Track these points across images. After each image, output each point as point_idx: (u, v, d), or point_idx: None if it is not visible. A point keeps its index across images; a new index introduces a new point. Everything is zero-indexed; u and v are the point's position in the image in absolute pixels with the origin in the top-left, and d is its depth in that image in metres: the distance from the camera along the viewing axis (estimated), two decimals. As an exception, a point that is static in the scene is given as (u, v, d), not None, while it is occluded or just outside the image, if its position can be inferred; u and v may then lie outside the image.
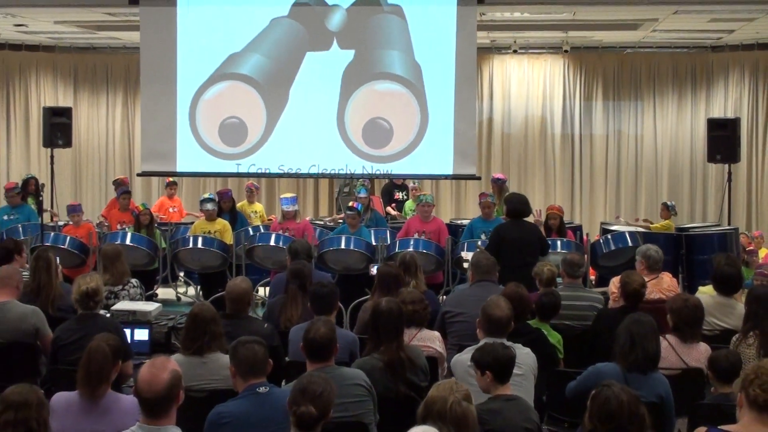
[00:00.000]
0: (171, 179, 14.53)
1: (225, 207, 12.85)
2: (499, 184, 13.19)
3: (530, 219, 10.61)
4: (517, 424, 4.97)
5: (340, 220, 12.90)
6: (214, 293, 11.25)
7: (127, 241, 11.73)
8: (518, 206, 9.87)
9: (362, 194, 12.81)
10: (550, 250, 11.31)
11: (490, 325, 5.92)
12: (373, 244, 11.48)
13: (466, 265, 9.54)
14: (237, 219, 12.95)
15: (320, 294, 6.76)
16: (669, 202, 14.21)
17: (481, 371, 5.18)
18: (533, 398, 5.73)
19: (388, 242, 11.62)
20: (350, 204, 12.14)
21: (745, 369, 5.19)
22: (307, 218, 14.42)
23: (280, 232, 11.70)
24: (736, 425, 4.52)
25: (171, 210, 14.38)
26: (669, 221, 13.74)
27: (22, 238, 11.57)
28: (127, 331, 6.81)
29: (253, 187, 14.42)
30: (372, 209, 12.93)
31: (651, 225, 13.79)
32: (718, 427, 4.52)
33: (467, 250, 10.82)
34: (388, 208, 14.44)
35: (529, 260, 9.06)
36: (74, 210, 12.53)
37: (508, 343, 5.65)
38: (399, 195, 14.93)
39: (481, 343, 5.61)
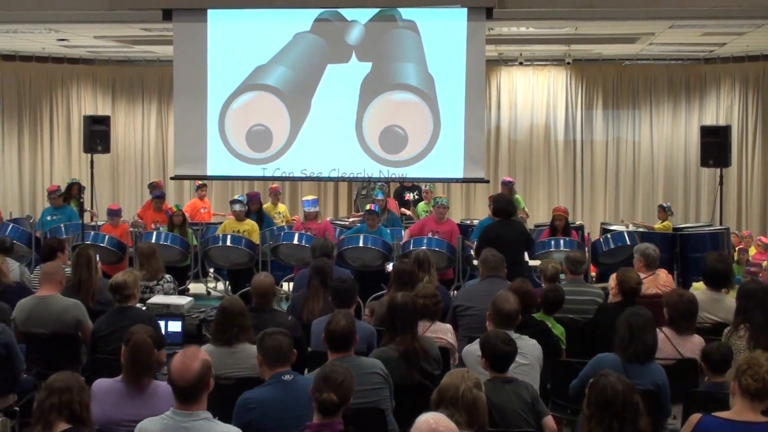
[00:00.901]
0: (201, 182, 14.56)
1: (253, 208, 12.92)
2: (509, 187, 13.21)
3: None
4: (513, 402, 5.01)
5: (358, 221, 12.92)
6: (242, 288, 11.28)
7: (162, 240, 11.76)
8: (504, 206, 9.87)
9: (380, 197, 12.86)
10: (553, 248, 11.37)
11: (499, 318, 5.92)
12: (389, 242, 11.50)
13: (475, 262, 9.53)
14: (264, 219, 12.99)
15: (341, 289, 6.77)
16: (665, 204, 14.15)
17: (482, 355, 5.21)
18: (539, 386, 5.72)
19: (403, 241, 11.64)
20: (368, 207, 12.17)
21: (737, 360, 5.17)
22: (328, 219, 14.44)
23: (303, 231, 11.73)
24: (728, 412, 4.50)
25: (202, 211, 14.39)
26: (668, 222, 13.69)
27: (65, 236, 11.62)
28: (162, 323, 6.82)
29: (278, 190, 14.46)
30: (388, 210, 12.99)
31: (655, 227, 13.72)
32: (712, 414, 4.50)
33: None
34: (403, 209, 14.44)
35: (517, 257, 9.05)
36: (116, 213, 12.65)
37: (515, 335, 5.65)
38: (409, 196, 14.92)
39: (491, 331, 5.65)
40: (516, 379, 5.21)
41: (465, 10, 12.13)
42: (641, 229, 13.16)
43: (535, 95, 18.52)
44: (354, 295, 6.88)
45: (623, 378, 4.29)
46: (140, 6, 12.23)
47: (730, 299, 7.46)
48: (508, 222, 9.69)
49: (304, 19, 12.58)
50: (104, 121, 13.61)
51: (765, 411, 4.44)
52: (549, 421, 5.16)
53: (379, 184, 13.53)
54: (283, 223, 13.51)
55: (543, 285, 7.94)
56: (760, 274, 11.55)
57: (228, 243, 11.88)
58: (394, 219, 12.95)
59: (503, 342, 5.17)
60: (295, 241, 11.61)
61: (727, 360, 5.54)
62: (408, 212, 14.43)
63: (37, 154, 18.90)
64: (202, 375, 4.25)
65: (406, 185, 14.88)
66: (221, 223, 12.88)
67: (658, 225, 13.75)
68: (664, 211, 13.80)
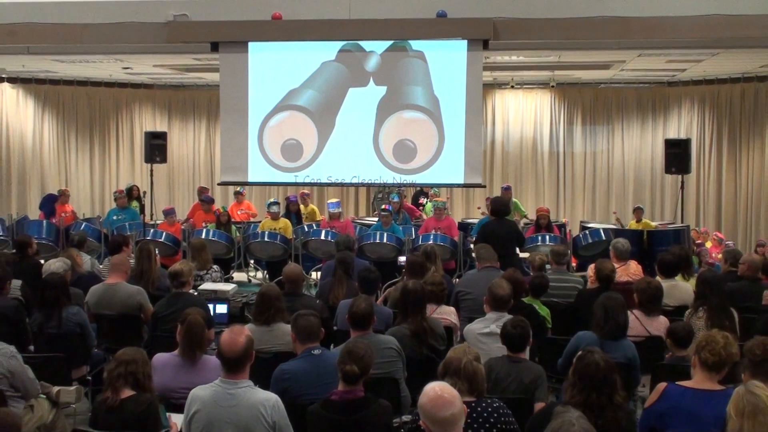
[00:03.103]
0: (238, 189, 14.62)
1: (293, 209, 13.03)
2: (508, 191, 13.36)
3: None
4: (510, 378, 5.01)
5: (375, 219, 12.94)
6: (278, 277, 11.25)
7: (210, 236, 11.78)
8: (500, 207, 9.85)
9: (395, 200, 12.89)
10: (539, 243, 11.34)
11: (495, 301, 5.91)
12: (402, 238, 11.50)
13: (474, 255, 9.52)
14: (301, 219, 13.11)
15: (369, 279, 6.79)
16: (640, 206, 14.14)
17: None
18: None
19: (413, 237, 11.65)
20: (383, 207, 12.19)
21: (697, 337, 5.15)
22: (349, 218, 14.44)
23: (328, 228, 11.74)
24: (690, 381, 4.49)
25: (239, 213, 14.44)
26: (647, 221, 13.66)
27: (129, 233, 11.64)
28: (210, 306, 6.85)
29: (307, 194, 14.50)
30: (402, 211, 13.01)
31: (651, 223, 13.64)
32: (676, 383, 4.49)
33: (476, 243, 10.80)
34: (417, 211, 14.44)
35: (510, 251, 9.03)
36: (170, 213, 12.70)
37: (506, 315, 5.64)
38: (423, 200, 14.92)
39: (488, 315, 5.64)
40: (524, 362, 5.15)
41: (465, 42, 12.09)
42: (612, 226, 13.12)
43: (524, 114, 18.51)
44: (378, 285, 7.00)
45: (607, 357, 4.26)
46: (192, 40, 12.26)
47: (684, 285, 7.47)
48: (502, 221, 9.67)
49: (330, 50, 12.58)
50: (162, 136, 13.65)
51: (721, 381, 4.43)
52: (538, 407, 5.13)
53: (397, 189, 13.57)
54: (312, 222, 13.53)
55: (531, 273, 7.93)
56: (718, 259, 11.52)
57: (266, 238, 11.90)
58: (406, 219, 12.98)
59: (511, 326, 5.17)
60: (322, 237, 11.62)
61: (689, 336, 5.53)
62: (418, 212, 14.42)
63: (105, 164, 18.99)
64: (246, 348, 4.27)
65: (426, 191, 14.86)
66: (260, 221, 12.93)
67: (645, 221, 13.66)
68: (641, 212, 13.77)
